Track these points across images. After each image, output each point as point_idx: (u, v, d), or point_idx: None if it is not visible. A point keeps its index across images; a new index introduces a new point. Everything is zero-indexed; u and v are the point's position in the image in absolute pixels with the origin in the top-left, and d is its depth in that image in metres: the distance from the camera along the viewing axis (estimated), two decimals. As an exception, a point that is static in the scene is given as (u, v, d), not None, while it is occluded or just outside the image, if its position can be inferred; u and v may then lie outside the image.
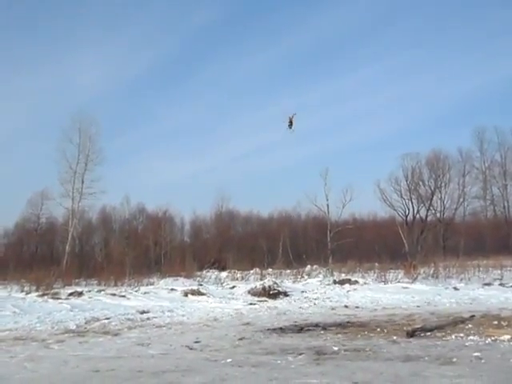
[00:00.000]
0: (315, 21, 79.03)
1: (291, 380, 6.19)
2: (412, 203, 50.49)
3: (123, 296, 16.66)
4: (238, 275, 28.17)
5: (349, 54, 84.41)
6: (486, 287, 19.19)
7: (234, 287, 20.08)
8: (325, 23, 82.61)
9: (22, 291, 18.82)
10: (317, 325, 11.06)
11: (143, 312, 13.69)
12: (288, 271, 29.29)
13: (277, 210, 56.29)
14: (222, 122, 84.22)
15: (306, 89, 74.01)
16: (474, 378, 6.09)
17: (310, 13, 79.98)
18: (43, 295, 16.52)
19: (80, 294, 16.84)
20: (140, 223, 54.10)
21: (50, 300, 15.57)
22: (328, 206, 42.02)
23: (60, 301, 15.41)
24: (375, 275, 24.21)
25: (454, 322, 10.46)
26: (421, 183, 50.90)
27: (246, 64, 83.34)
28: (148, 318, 12.77)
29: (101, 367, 7.15)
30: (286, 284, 20.45)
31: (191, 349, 8.59)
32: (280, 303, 16.06)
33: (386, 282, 21.65)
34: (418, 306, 14.66)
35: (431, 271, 24.46)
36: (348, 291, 18.44)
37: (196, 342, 9.14)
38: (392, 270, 24.89)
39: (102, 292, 17.80)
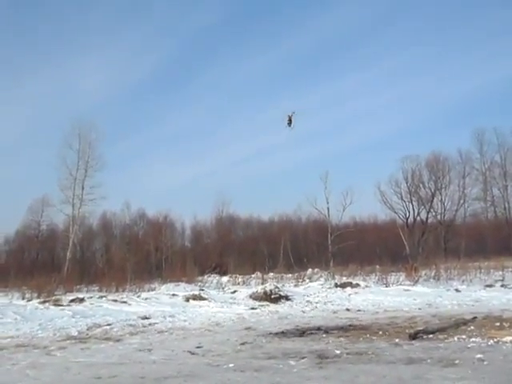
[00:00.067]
0: (315, 23, 79.55)
1: (294, 384, 6.18)
2: (412, 205, 50.60)
3: (125, 302, 16.64)
4: (240, 280, 28.17)
5: (349, 54, 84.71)
6: (488, 289, 19.16)
7: (235, 292, 20.05)
8: (324, 25, 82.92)
9: (24, 298, 18.80)
10: (319, 328, 11.04)
11: (145, 318, 13.67)
12: (289, 275, 29.26)
13: (277, 213, 56.46)
14: (222, 125, 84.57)
15: (306, 91, 74.04)
16: (477, 380, 6.08)
17: (310, 15, 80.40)
18: (44, 302, 16.49)
19: (81, 300, 16.82)
20: (141, 228, 54.17)
21: (52, 307, 15.54)
22: (328, 209, 42.01)
23: (61, 307, 15.37)
24: (376, 278, 24.19)
25: (456, 324, 10.44)
26: (421, 185, 51.00)
27: (246, 67, 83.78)
28: (150, 324, 12.75)
29: (103, 374, 7.14)
30: (288, 288, 20.45)
31: (193, 354, 8.57)
32: (281, 307, 16.05)
33: (387, 284, 21.65)
34: (419, 309, 14.64)
35: (432, 273, 24.43)
36: (349, 294, 18.42)
37: (198, 347, 9.12)
38: (393, 273, 24.85)
39: (104, 298, 17.77)
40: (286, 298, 17.60)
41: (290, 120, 16.42)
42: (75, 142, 37.75)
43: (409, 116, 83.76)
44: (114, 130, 75.13)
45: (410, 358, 7.45)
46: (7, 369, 7.70)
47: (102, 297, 18.28)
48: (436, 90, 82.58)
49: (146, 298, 17.61)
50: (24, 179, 65.51)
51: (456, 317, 11.73)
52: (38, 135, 72.40)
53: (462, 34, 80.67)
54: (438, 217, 50.48)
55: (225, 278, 29.16)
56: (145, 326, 12.39)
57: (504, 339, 8.50)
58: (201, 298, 17.44)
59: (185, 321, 13.30)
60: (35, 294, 19.37)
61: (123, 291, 21.76)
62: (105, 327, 12.18)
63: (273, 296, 17.53)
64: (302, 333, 10.60)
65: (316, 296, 18.30)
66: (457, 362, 7.07)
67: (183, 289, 22.11)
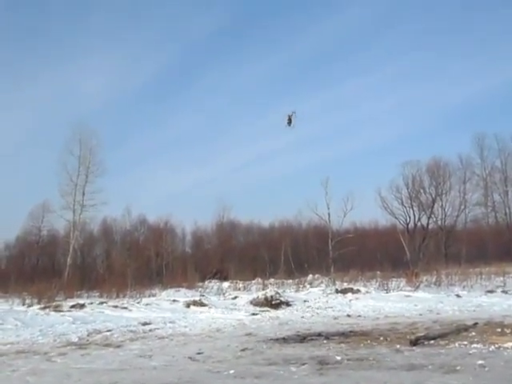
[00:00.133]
0: (315, 27, 79.67)
1: (294, 390, 6.17)
2: (413, 211, 50.65)
3: (125, 308, 16.63)
4: (240, 285, 28.14)
5: (349, 59, 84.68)
6: (489, 294, 19.12)
7: (236, 297, 20.03)
8: (325, 29, 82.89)
9: (24, 304, 18.80)
10: (319, 334, 11.02)
11: (145, 324, 13.66)
12: (290, 281, 29.23)
13: (278, 219, 56.47)
14: (223, 130, 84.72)
15: (306, 96, 73.98)
16: (478, 386, 6.07)
17: (310, 19, 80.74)
18: (45, 308, 16.49)
19: (82, 306, 16.81)
20: (141, 234, 54.17)
21: (52, 313, 15.53)
22: (329, 214, 41.87)
23: (62, 313, 15.36)
24: (377, 284, 24.13)
25: (457, 330, 10.41)
26: (422, 191, 51.06)
27: (247, 71, 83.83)
28: (150, 330, 12.72)
29: (103, 380, 7.13)
30: (288, 294, 20.43)
31: (194, 360, 8.55)
32: (282, 313, 16.02)
33: (388, 290, 21.61)
34: (420, 314, 14.60)
35: (433, 279, 24.38)
36: (350, 300, 18.39)
37: (198, 354, 9.10)
38: (394, 279, 24.82)
39: (104, 304, 17.77)
40: (287, 303, 17.59)
41: (289, 119, 16.42)
42: (76, 147, 37.76)
43: (409, 121, 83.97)
44: (115, 134, 75.29)
45: (411, 364, 7.42)
46: (7, 375, 7.68)
47: (102, 303, 18.28)
48: (436, 94, 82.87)
49: (146, 304, 17.60)
50: (24, 185, 65.71)
51: (457, 323, 11.71)
52: (38, 139, 72.63)
53: (462, 39, 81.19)
54: (439, 222, 50.54)
55: (225, 284, 29.12)
56: (145, 332, 12.37)
57: (505, 345, 8.47)
58: (201, 304, 17.43)
59: (185, 327, 13.27)
60: (35, 300, 19.37)
61: (124, 297, 21.76)
62: (105, 333, 12.17)
63: (273, 302, 17.52)
64: (302, 339, 10.57)
65: (317, 302, 18.27)
66: (458, 368, 7.05)
67: (184, 295, 22.08)
